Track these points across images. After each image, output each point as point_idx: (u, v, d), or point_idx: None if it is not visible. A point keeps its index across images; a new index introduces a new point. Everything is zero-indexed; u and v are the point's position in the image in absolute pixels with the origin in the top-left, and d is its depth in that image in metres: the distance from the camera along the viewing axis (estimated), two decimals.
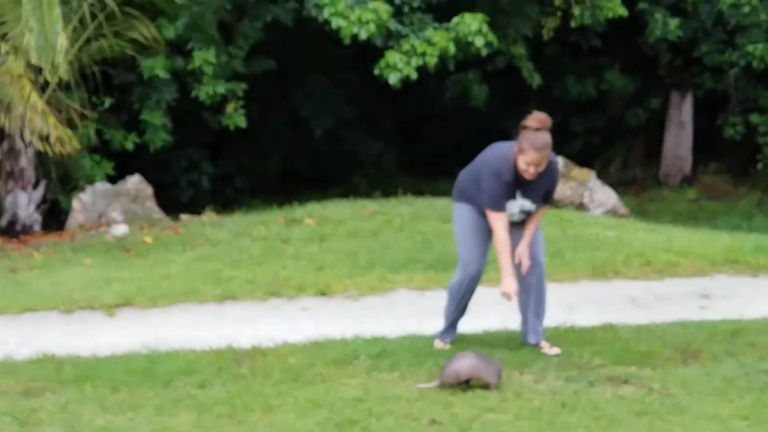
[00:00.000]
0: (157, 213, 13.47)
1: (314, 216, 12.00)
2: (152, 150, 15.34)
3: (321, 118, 18.40)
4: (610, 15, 15.98)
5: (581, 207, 13.80)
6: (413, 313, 8.13)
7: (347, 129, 19.17)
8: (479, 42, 14.66)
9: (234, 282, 9.23)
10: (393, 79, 14.60)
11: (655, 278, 9.32)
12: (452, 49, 14.64)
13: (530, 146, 6.45)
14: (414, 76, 14.60)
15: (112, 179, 14.09)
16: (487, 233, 6.79)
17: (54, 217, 13.80)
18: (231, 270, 9.69)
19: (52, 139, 11.70)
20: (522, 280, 6.77)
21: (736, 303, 8.32)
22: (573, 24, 16.41)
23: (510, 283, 6.61)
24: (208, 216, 13.14)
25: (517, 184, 6.61)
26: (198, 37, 15.46)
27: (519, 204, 6.69)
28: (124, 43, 13.30)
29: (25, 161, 13.43)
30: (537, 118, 6.52)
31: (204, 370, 6.45)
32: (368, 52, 15.32)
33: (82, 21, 12.54)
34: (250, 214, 13.04)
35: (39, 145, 11.66)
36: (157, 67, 14.72)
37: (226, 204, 16.70)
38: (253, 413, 5.64)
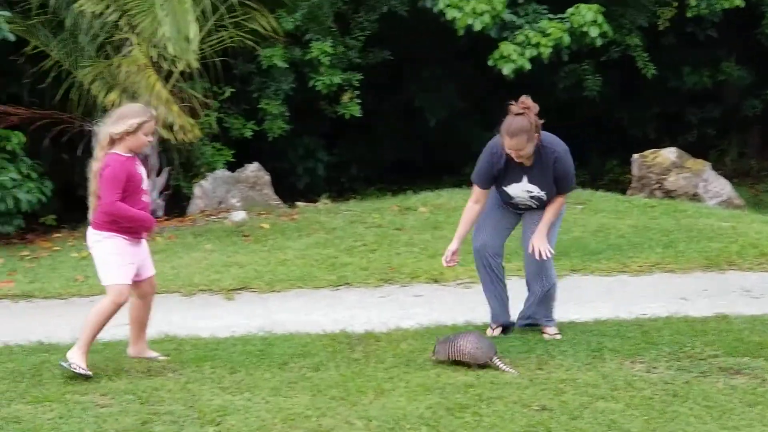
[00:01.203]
0: (275, 200, 13.71)
1: (428, 204, 12.10)
2: (270, 138, 15.60)
3: (435, 108, 18.45)
4: (727, 5, 15.71)
5: (696, 198, 13.63)
6: (524, 300, 8.15)
7: (460, 119, 19.18)
8: (594, 32, 14.56)
9: (348, 268, 9.38)
10: (507, 70, 14.59)
11: None
12: (567, 39, 14.57)
13: (504, 131, 6.50)
14: (528, 66, 14.57)
15: (232, 166, 14.37)
16: (505, 219, 6.91)
17: (176, 203, 14.11)
18: (345, 256, 9.84)
19: (176, 127, 11.97)
20: (531, 265, 6.87)
21: None
22: (689, 14, 16.17)
23: (452, 246, 6.84)
24: (324, 203, 13.34)
25: (522, 169, 6.63)
26: (315, 28, 15.67)
27: (524, 188, 6.71)
28: (244, 34, 13.54)
29: (149, 149, 13.76)
30: (520, 103, 6.51)
31: (318, 354, 6.60)
32: (482, 43, 15.33)
33: (204, 13, 12.80)
34: (364, 201, 13.20)
35: (164, 133, 11.94)
36: (275, 57, 14.97)
37: (341, 192, 16.92)
38: (365, 396, 5.74)
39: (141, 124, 6.24)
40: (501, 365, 6.21)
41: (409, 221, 11.38)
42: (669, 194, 13.69)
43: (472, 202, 6.85)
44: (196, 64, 12.45)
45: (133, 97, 12.03)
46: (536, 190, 6.71)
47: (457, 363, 6.26)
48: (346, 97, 15.86)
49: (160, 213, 13.66)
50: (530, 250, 6.78)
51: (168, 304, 8.44)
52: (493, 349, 6.27)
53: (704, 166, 14.23)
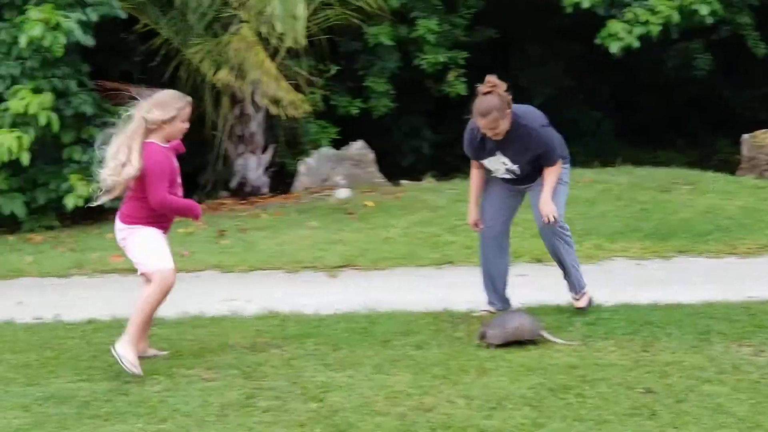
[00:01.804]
0: (379, 178, 13.76)
1: None
2: (375, 116, 15.65)
3: (540, 87, 18.32)
4: None
5: None
6: (629, 282, 8.10)
7: (566, 98, 19.01)
8: (704, 10, 14.30)
9: (452, 247, 9.38)
10: (615, 48, 14.42)
11: None
12: (676, 17, 14.33)
13: (475, 112, 6.56)
14: (636, 45, 14.38)
15: (337, 144, 14.45)
16: (508, 199, 6.99)
17: (281, 179, 14.26)
18: (449, 235, 9.85)
19: (284, 102, 12.07)
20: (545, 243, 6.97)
21: None
22: None
23: (472, 216, 7.07)
24: (428, 182, 13.35)
25: (495, 144, 6.69)
26: (421, 6, 15.65)
27: (501, 161, 6.78)
28: (350, 12, 13.58)
29: (255, 126, 13.92)
30: (486, 83, 6.54)
31: (421, 332, 6.62)
32: (589, 21, 15.15)
33: None
34: (468, 180, 13.15)
35: (273, 109, 12.06)
36: (381, 35, 15.01)
37: (445, 171, 16.87)
38: (467, 375, 5.75)
39: (179, 110, 5.96)
40: (552, 338, 6.28)
41: None
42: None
43: (474, 168, 7.09)
44: (303, 42, 12.53)
45: (242, 73, 12.17)
46: (509, 163, 6.78)
47: (508, 345, 6.23)
48: (451, 76, 15.83)
49: (265, 189, 13.83)
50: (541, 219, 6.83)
51: (272, 281, 8.56)
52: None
53: None
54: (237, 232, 10.62)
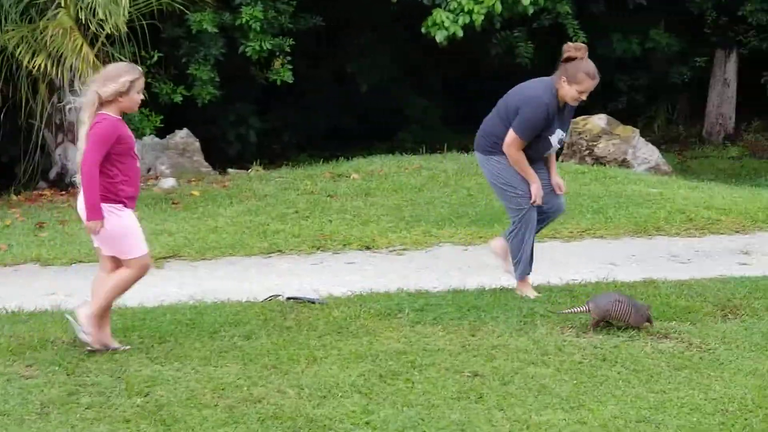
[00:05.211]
0: (205, 167, 13.59)
1: (360, 171, 12.07)
2: (200, 104, 15.44)
3: (367, 74, 18.40)
4: None
5: (624, 164, 13.78)
6: (456, 267, 8.20)
7: (393, 85, 19.16)
8: (526, 1, 14.59)
9: (280, 235, 9.33)
10: (440, 37, 14.59)
11: (697, 235, 9.34)
12: (499, 7, 14.57)
13: (586, 75, 6.75)
14: (460, 34, 14.57)
15: (161, 133, 14.21)
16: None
17: None
18: (277, 224, 9.79)
19: None
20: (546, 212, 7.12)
21: None
22: None
23: (538, 188, 6.94)
24: (255, 170, 13.25)
25: (558, 114, 6.91)
26: None
27: (558, 134, 6.96)
28: None
29: (75, 114, 13.55)
30: (581, 47, 6.84)
31: (250, 322, 6.54)
32: (415, 9, 15.29)
33: None
34: (296, 168, 13.14)
35: None
36: (204, 21, 14.80)
37: (273, 159, 16.82)
38: (297, 364, 5.72)
39: (133, 81, 5.94)
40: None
41: (342, 188, 11.35)
42: (599, 161, 13.80)
43: (517, 152, 6.92)
44: (124, 28, 12.26)
45: (59, 61, 11.83)
46: (561, 133, 7.02)
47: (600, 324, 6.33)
48: (277, 63, 15.75)
49: None
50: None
51: (94, 274, 8.30)
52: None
53: (633, 133, 14.37)
54: (57, 224, 10.31)
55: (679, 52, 19.86)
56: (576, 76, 6.74)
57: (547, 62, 19.42)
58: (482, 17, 14.54)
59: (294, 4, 16.23)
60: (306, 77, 17.40)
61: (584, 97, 6.84)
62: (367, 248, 8.93)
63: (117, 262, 6.07)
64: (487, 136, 7.05)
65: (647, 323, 6.33)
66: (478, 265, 8.22)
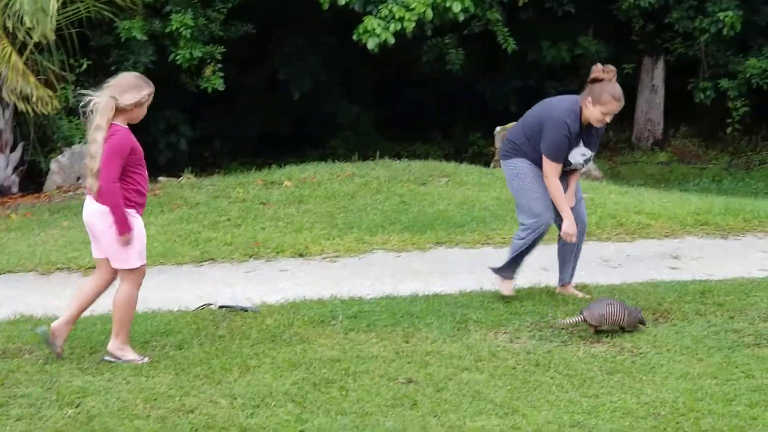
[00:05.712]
0: None
1: (292, 178, 12.02)
2: None
3: (299, 81, 18.37)
4: None
5: None
6: (390, 274, 8.20)
7: (325, 92, 19.15)
8: (456, 7, 14.67)
9: (212, 244, 9.26)
10: (371, 44, 14.62)
11: (627, 240, 9.43)
12: (430, 14, 14.65)
13: (611, 97, 6.79)
14: (392, 41, 14.62)
15: None
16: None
17: (32, 179, 13.77)
18: (209, 232, 9.72)
19: (33, 99, 11.64)
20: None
21: (706, 264, 8.42)
22: None
23: (572, 225, 6.89)
24: (187, 178, 13.14)
25: (583, 133, 6.89)
26: (176, 0, 15.40)
27: (581, 152, 6.94)
28: (101, 6, 13.22)
29: (2, 123, 13.37)
30: (611, 70, 6.91)
31: (182, 331, 6.49)
32: (347, 16, 15.29)
33: None
34: (228, 176, 13.05)
35: (21, 106, 11.59)
36: (134, 29, 14.68)
37: (204, 166, 16.72)
38: (230, 373, 5.69)
39: (150, 94, 6.03)
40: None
41: (274, 195, 11.29)
42: None
43: (556, 178, 6.89)
44: (52, 36, 12.11)
45: None
46: (588, 152, 6.99)
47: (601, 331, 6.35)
48: (208, 71, 15.68)
49: (15, 189, 13.33)
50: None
51: (24, 283, 8.22)
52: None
53: None
54: None
55: (607, 58, 20.00)
56: (601, 98, 6.77)
57: (477, 69, 19.64)
58: (413, 24, 14.61)
59: (225, 12, 16.17)
60: (237, 84, 17.33)
61: (609, 119, 6.83)
62: (300, 255, 8.90)
63: (104, 267, 6.14)
64: (507, 142, 7.16)
65: (640, 324, 6.41)
66: (411, 272, 8.23)
